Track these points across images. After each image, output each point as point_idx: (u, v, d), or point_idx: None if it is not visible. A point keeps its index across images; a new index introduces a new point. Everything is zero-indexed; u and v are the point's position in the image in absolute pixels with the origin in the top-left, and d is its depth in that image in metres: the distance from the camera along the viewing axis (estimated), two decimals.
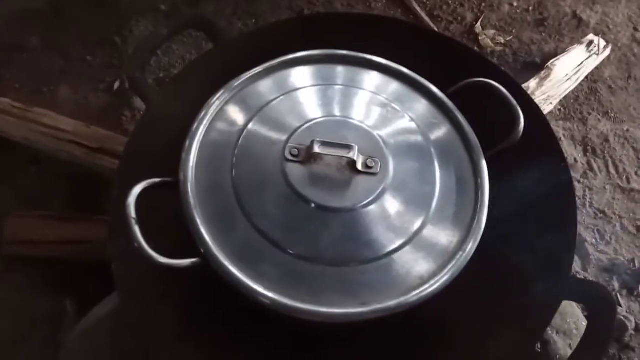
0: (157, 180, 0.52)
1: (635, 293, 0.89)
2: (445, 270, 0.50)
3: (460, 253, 0.51)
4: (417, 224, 0.52)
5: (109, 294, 0.71)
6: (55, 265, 0.82)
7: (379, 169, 0.52)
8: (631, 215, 0.98)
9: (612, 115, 1.09)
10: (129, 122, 0.99)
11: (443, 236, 0.52)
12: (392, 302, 0.48)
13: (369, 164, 0.52)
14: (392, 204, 0.52)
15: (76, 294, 0.82)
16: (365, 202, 0.51)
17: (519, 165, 0.62)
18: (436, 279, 0.50)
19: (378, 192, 0.52)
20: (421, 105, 0.61)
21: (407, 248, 0.51)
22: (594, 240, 0.95)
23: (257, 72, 0.60)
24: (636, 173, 1.02)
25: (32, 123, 0.87)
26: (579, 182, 1.00)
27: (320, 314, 0.48)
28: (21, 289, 0.83)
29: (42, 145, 0.86)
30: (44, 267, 0.82)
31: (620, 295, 0.89)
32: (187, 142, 0.54)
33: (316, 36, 0.65)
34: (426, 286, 0.49)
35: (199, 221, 0.50)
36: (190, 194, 0.52)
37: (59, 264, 0.81)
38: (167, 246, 0.49)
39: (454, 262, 0.51)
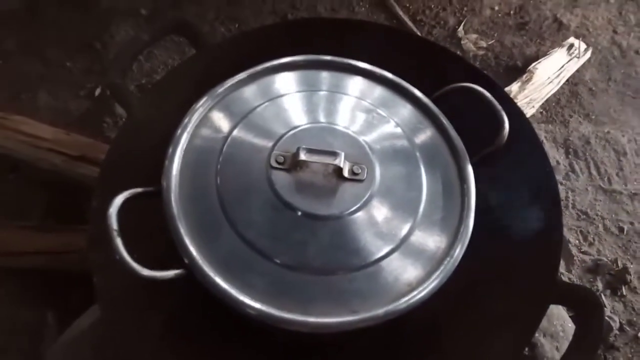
0: (139, 190, 0.51)
1: (619, 293, 0.90)
2: (434, 277, 0.50)
3: (448, 259, 0.51)
4: (405, 230, 0.52)
5: (92, 305, 0.70)
6: (35, 276, 0.80)
7: (365, 176, 0.52)
8: (613, 216, 0.99)
9: (593, 117, 1.10)
10: (110, 129, 0.97)
11: (431, 242, 0.52)
12: (381, 310, 0.48)
13: (356, 171, 0.52)
14: (379, 211, 0.52)
15: (57, 305, 0.80)
16: (352, 209, 0.51)
17: (504, 169, 0.62)
18: (424, 285, 0.50)
19: (365, 198, 0.51)
20: (406, 110, 0.61)
21: (395, 255, 0.51)
22: (577, 241, 0.96)
23: (241, 78, 0.59)
24: (617, 174, 1.04)
25: (10, 131, 0.85)
26: (561, 184, 1.01)
27: (308, 324, 0.47)
28: (0, 300, 0.80)
29: (20, 153, 0.84)
30: (24, 278, 0.80)
31: (604, 295, 0.90)
32: (170, 150, 0.53)
33: (300, 41, 0.65)
34: (415, 293, 0.49)
35: (182, 231, 0.49)
36: (173, 203, 0.51)
37: (39, 274, 0.80)
38: (150, 257, 0.48)
39: (442, 268, 0.51)
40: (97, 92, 1.02)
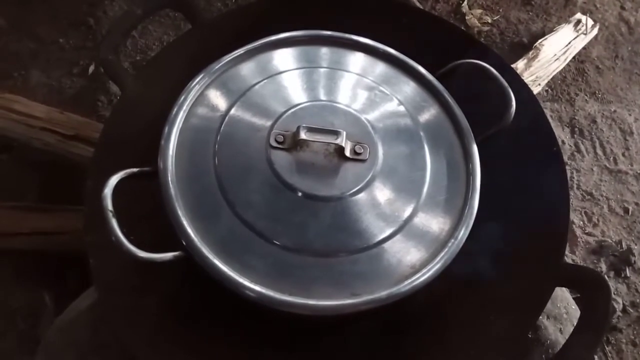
0: (134, 170, 0.50)
1: (623, 275, 0.90)
2: (437, 259, 0.49)
3: (452, 240, 0.50)
4: (408, 212, 0.51)
5: (89, 287, 0.69)
6: (31, 257, 0.79)
7: (367, 155, 0.51)
8: (618, 196, 0.98)
9: (600, 95, 1.08)
10: (105, 107, 0.96)
11: (434, 223, 0.51)
12: (383, 293, 0.47)
13: (358, 150, 0.51)
14: (382, 192, 0.51)
15: (54, 286, 0.79)
16: (354, 190, 0.50)
17: (510, 148, 0.61)
18: (428, 267, 0.49)
19: (367, 179, 0.50)
20: (410, 87, 0.59)
21: (398, 236, 0.50)
22: (581, 222, 0.95)
23: (238, 54, 0.57)
24: (623, 154, 1.02)
25: (3, 110, 0.83)
26: (566, 164, 1.00)
27: (309, 307, 0.46)
28: None
29: (13, 132, 0.83)
30: (19, 259, 0.79)
31: (608, 277, 0.89)
32: (166, 129, 0.52)
33: (300, 16, 0.63)
34: (418, 275, 0.48)
35: (180, 212, 0.48)
36: (170, 184, 0.49)
37: (34, 256, 0.79)
38: (147, 238, 0.47)
39: (446, 250, 0.50)
40: (91, 69, 1.00)
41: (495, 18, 1.14)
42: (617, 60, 1.13)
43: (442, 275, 0.49)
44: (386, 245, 0.49)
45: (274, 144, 0.50)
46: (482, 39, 1.11)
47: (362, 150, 0.51)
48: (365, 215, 0.49)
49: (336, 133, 0.49)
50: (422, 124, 0.56)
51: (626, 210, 0.97)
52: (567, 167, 1.00)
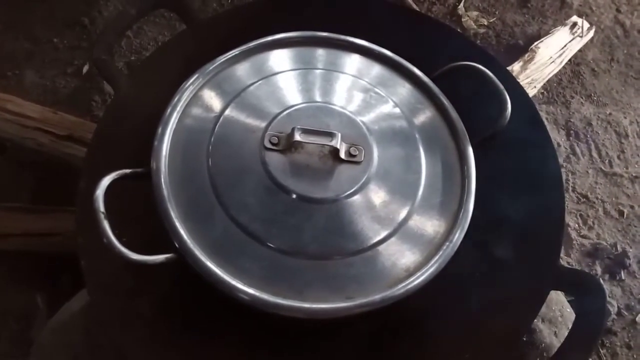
0: (127, 171, 0.49)
1: (618, 277, 0.90)
2: (432, 262, 0.49)
3: (447, 243, 0.50)
4: (403, 214, 0.50)
5: (82, 288, 0.68)
6: (23, 258, 0.79)
7: (362, 158, 0.51)
8: (614, 199, 0.98)
9: (595, 98, 1.09)
10: (99, 107, 0.95)
11: (429, 226, 0.51)
12: (377, 296, 0.47)
13: (353, 152, 0.51)
14: (376, 194, 0.50)
15: (47, 288, 0.79)
16: (348, 192, 0.49)
17: (506, 151, 0.61)
18: (423, 270, 0.49)
19: (362, 181, 0.50)
20: (405, 89, 0.59)
21: (392, 239, 0.50)
22: (576, 225, 0.95)
23: (233, 55, 0.57)
24: (618, 157, 1.02)
25: None
26: (562, 166, 1.00)
27: (303, 310, 0.46)
28: None
29: (6, 132, 0.82)
30: (12, 260, 0.79)
31: (603, 279, 0.89)
32: (160, 130, 0.52)
33: (295, 17, 0.63)
34: (412, 278, 0.48)
35: (173, 214, 0.48)
36: (163, 185, 0.49)
37: (27, 257, 0.78)
38: (140, 240, 0.47)
39: (440, 253, 0.50)
40: (85, 69, 1.00)
41: (491, 20, 1.14)
42: (612, 63, 1.13)
43: (436, 278, 0.49)
44: (381, 248, 0.49)
45: (269, 145, 0.50)
46: (478, 41, 1.11)
47: (357, 152, 0.51)
48: (359, 217, 0.49)
49: (331, 135, 0.49)
50: (418, 126, 0.56)
51: (621, 213, 0.97)
52: (563, 170, 1.00)
